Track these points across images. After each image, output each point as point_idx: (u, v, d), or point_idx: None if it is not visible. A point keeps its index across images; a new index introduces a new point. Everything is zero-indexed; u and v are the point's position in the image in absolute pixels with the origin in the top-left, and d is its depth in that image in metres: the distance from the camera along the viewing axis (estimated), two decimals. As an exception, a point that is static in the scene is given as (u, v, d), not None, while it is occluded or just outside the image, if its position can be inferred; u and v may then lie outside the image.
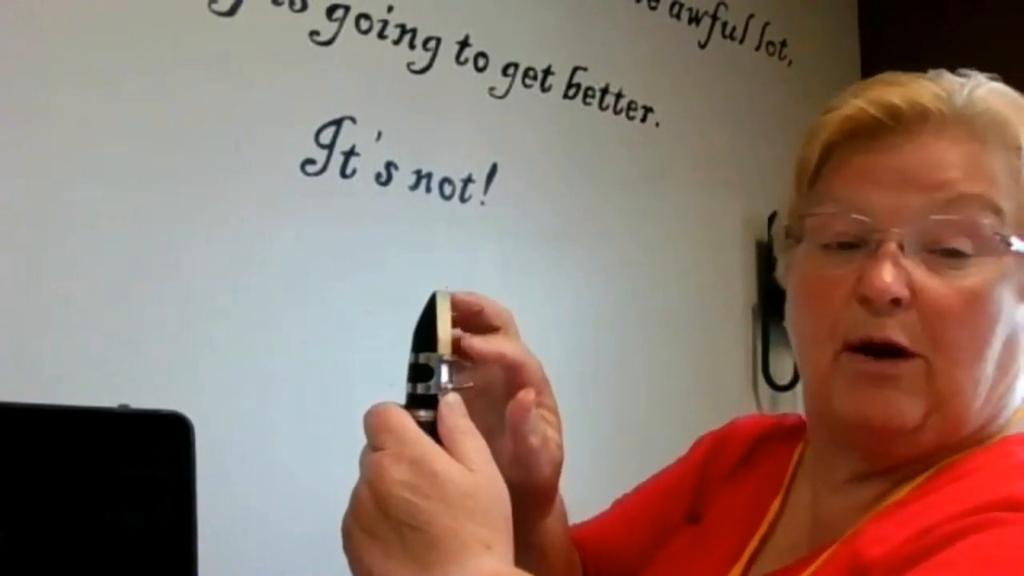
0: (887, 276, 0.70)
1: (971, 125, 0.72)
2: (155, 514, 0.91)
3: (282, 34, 1.68)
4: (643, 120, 2.17)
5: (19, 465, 0.89)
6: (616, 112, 2.13)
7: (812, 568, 0.72)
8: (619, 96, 2.14)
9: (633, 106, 2.16)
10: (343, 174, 1.73)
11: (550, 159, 2.02)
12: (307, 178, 1.69)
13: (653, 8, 2.22)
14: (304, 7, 1.70)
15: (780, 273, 0.83)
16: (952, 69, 0.78)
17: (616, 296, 2.08)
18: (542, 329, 1.99)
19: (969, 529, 0.64)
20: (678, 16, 2.27)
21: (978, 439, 0.75)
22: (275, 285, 1.65)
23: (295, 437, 1.65)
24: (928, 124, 0.72)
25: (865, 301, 0.71)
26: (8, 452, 0.89)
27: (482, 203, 1.91)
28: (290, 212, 1.67)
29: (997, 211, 0.71)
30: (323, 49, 1.72)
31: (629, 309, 2.12)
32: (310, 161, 1.70)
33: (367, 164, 1.76)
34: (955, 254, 0.71)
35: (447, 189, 1.86)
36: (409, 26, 1.82)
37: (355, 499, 0.69)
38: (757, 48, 2.42)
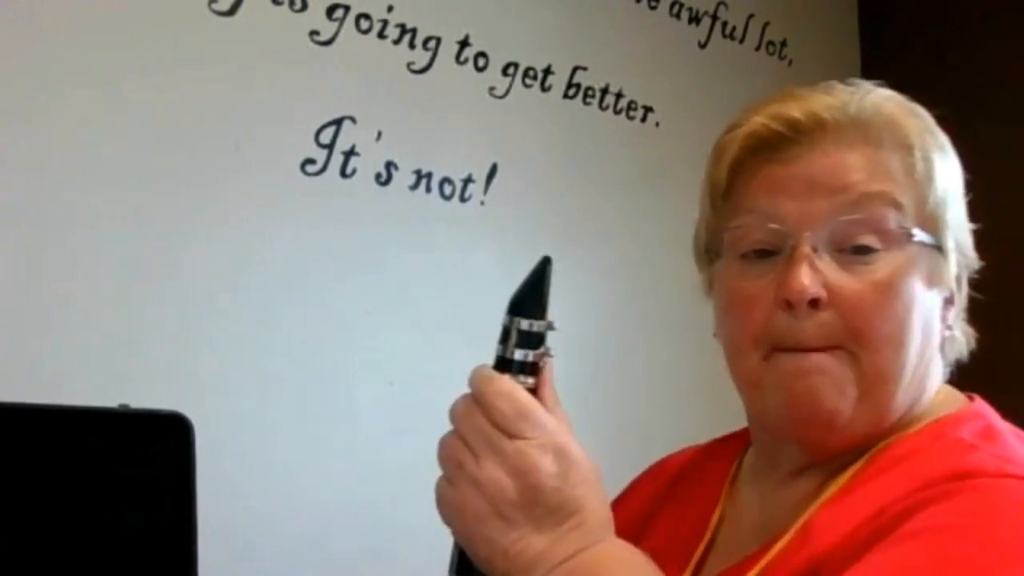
0: (804, 278, 0.74)
1: (865, 129, 0.78)
2: (155, 514, 0.91)
3: (282, 34, 1.68)
4: (643, 120, 2.17)
5: (19, 465, 0.89)
6: (616, 112, 2.13)
7: (764, 562, 0.75)
8: (619, 96, 2.14)
9: (633, 106, 2.16)
10: (343, 174, 1.73)
11: (550, 159, 2.02)
12: (307, 178, 1.69)
13: (653, 8, 2.22)
14: (304, 7, 1.70)
15: (704, 288, 0.88)
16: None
17: (616, 296, 2.08)
18: (542, 329, 1.99)
19: (920, 504, 0.67)
20: (678, 16, 2.27)
21: (905, 422, 0.79)
22: (275, 285, 1.65)
23: (295, 437, 1.65)
24: (826, 133, 0.77)
25: (787, 305, 0.76)
26: (8, 452, 0.89)
27: (482, 203, 1.91)
28: (290, 212, 1.67)
29: (898, 206, 0.76)
30: (323, 49, 1.72)
31: (629, 309, 2.12)
32: (310, 161, 1.70)
33: (367, 164, 1.76)
34: (864, 250, 0.76)
35: (447, 189, 1.86)
36: (409, 26, 1.82)
37: (487, 484, 0.69)
38: (757, 48, 2.42)
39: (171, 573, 0.90)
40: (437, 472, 0.74)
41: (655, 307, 2.14)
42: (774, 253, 0.78)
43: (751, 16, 2.40)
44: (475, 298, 1.88)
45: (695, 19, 2.30)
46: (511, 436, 0.69)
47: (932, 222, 0.78)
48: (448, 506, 0.71)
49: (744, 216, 0.80)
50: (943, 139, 0.82)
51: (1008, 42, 2.37)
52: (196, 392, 1.52)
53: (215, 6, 1.61)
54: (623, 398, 2.08)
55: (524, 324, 0.72)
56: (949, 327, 0.81)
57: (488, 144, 1.92)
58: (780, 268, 0.76)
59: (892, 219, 0.76)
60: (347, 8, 1.75)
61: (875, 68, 2.62)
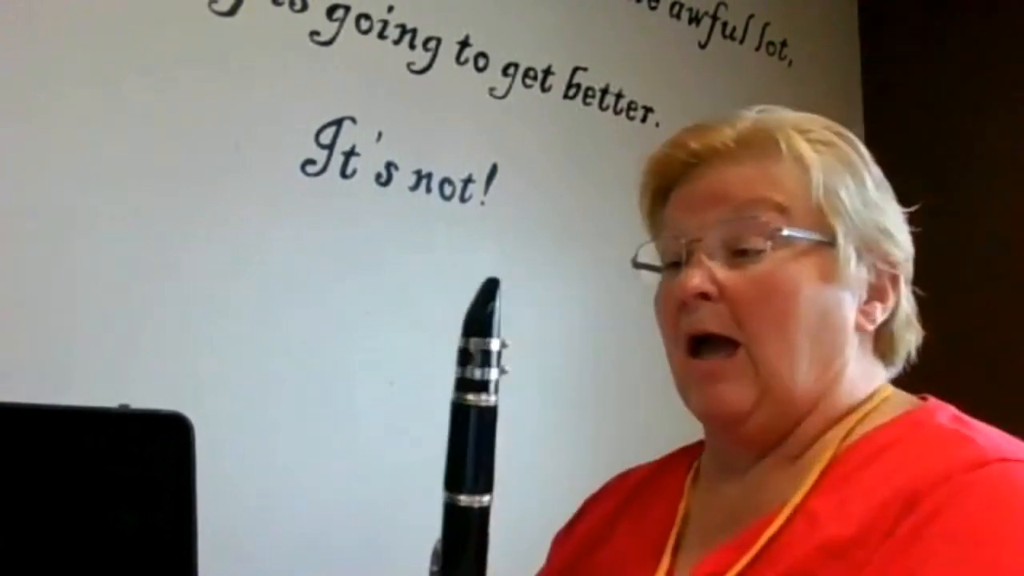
0: (694, 278, 0.85)
1: (749, 147, 0.87)
2: (155, 514, 0.91)
3: (282, 34, 1.68)
4: (643, 120, 2.17)
5: (19, 465, 0.89)
6: (616, 112, 2.13)
7: (757, 547, 0.79)
8: (619, 96, 2.14)
9: (633, 106, 2.16)
10: (343, 174, 1.73)
11: (550, 159, 2.02)
12: (307, 178, 1.69)
13: (653, 8, 2.22)
14: (304, 7, 1.70)
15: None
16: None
17: (616, 296, 2.08)
18: (542, 329, 1.99)
19: (952, 496, 0.72)
20: (678, 16, 2.27)
21: (834, 414, 0.85)
22: (275, 285, 1.65)
23: (295, 437, 1.65)
24: (720, 156, 0.88)
25: (683, 305, 0.86)
26: (8, 452, 0.89)
27: (482, 203, 1.91)
28: (290, 212, 1.67)
29: (780, 208, 0.84)
30: (323, 49, 1.72)
31: (629, 309, 2.11)
32: (310, 161, 1.70)
33: (367, 164, 1.76)
34: (751, 252, 0.85)
35: (447, 189, 1.86)
36: (409, 26, 1.82)
37: None
38: (757, 48, 2.42)
39: (171, 573, 0.90)
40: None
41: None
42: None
43: (751, 16, 2.40)
44: (475, 298, 1.88)
45: (695, 19, 2.30)
46: None
47: (819, 220, 0.84)
48: None
49: (663, 233, 0.92)
50: (846, 151, 0.88)
51: (1008, 42, 2.37)
52: (196, 392, 1.52)
53: (215, 6, 1.61)
54: (623, 397, 2.08)
55: (481, 344, 0.78)
56: (873, 321, 0.87)
57: (488, 144, 1.92)
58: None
59: (774, 221, 0.84)
60: (347, 8, 1.75)
61: (875, 68, 2.62)
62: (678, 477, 0.97)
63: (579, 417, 1.99)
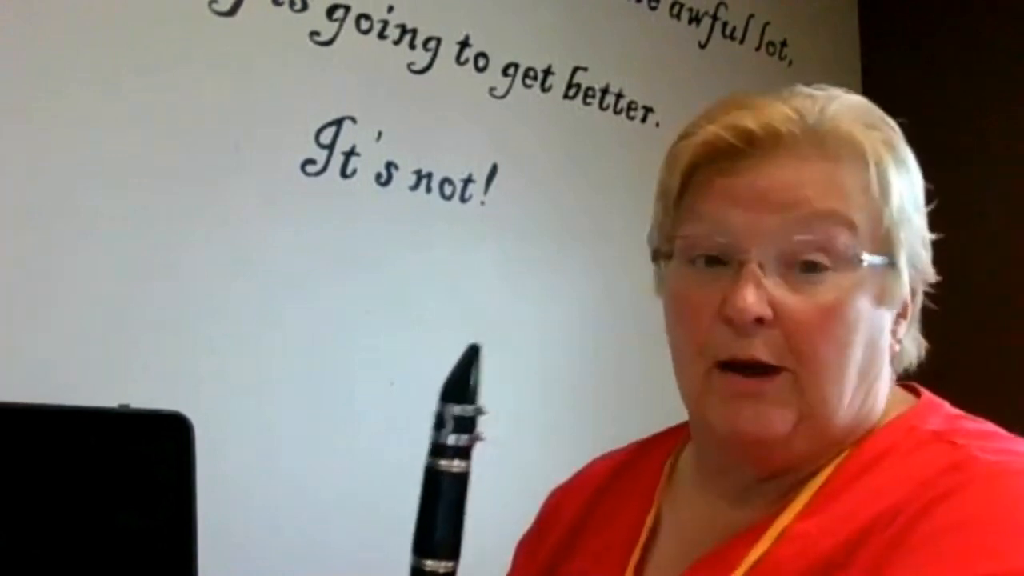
0: (749, 297, 0.73)
1: (822, 144, 0.75)
2: (155, 514, 0.91)
3: (282, 34, 1.68)
4: (643, 120, 2.17)
5: (19, 465, 0.89)
6: (616, 112, 2.13)
7: (744, 567, 0.75)
8: (619, 96, 2.14)
9: (633, 106, 2.16)
10: (343, 174, 1.73)
11: (550, 159, 2.02)
12: (307, 178, 1.69)
13: (653, 8, 2.22)
14: (304, 7, 1.70)
15: (656, 286, 0.87)
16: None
17: (616, 296, 2.08)
18: (542, 329, 1.99)
19: (930, 504, 0.68)
20: (678, 16, 2.27)
21: (858, 435, 0.79)
22: (275, 285, 1.65)
23: (295, 437, 1.65)
24: (781, 145, 0.75)
25: (730, 321, 0.75)
26: (8, 452, 0.89)
27: (482, 203, 1.91)
28: (290, 212, 1.67)
29: (851, 226, 0.74)
30: (323, 49, 1.72)
31: (629, 309, 2.12)
32: (310, 161, 1.70)
33: (367, 164, 1.76)
34: (813, 269, 0.75)
35: (447, 189, 1.86)
36: (409, 26, 1.82)
37: None
38: (757, 48, 2.42)
39: (171, 573, 0.90)
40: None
41: (655, 307, 2.14)
42: (722, 262, 0.77)
43: (751, 16, 2.40)
44: (475, 298, 1.88)
45: (695, 19, 2.30)
46: None
47: (886, 241, 0.76)
48: None
49: (695, 224, 0.78)
50: (904, 152, 0.79)
51: (1009, 41, 2.37)
52: (196, 392, 1.51)
53: (215, 6, 1.61)
54: (623, 397, 2.08)
55: (456, 410, 0.77)
56: (899, 341, 0.81)
57: (488, 144, 1.92)
58: (726, 281, 0.75)
59: (843, 240, 0.74)
60: (347, 8, 1.75)
61: (875, 68, 2.62)
62: (651, 475, 0.90)
63: (579, 416, 1.99)
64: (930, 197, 0.83)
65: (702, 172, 0.78)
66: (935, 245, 0.84)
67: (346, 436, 1.69)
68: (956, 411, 0.81)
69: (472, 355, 0.79)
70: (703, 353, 0.77)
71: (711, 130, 0.77)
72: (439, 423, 0.77)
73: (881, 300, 0.76)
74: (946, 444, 0.74)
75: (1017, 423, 0.79)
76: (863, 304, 0.75)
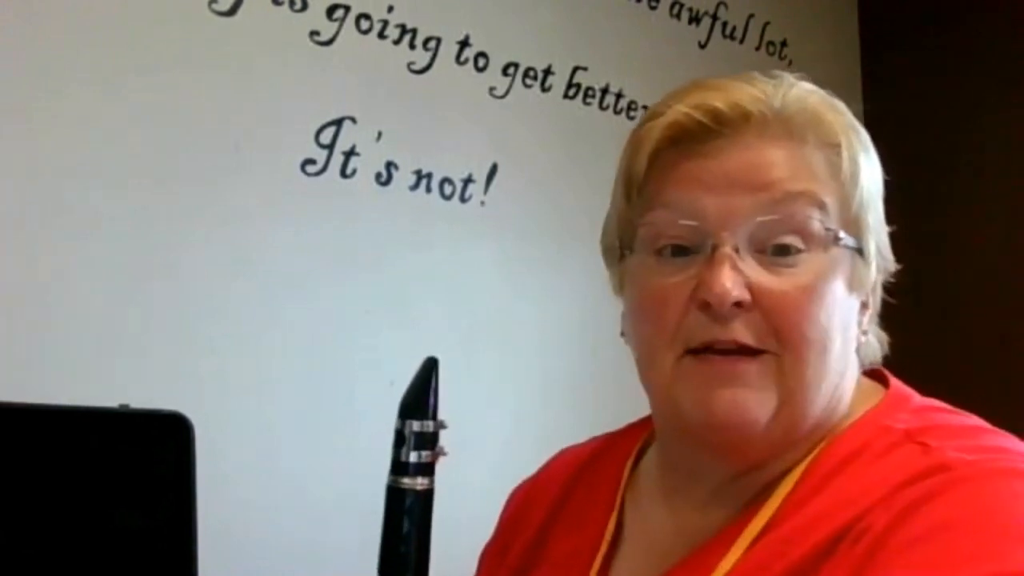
0: (727, 281, 0.71)
1: (790, 124, 0.74)
2: (155, 514, 0.91)
3: (282, 34, 1.68)
4: (643, 120, 2.17)
5: (19, 465, 0.89)
6: (616, 112, 2.13)
7: (721, 572, 0.72)
8: (619, 96, 2.14)
9: (633, 106, 2.16)
10: (343, 174, 1.73)
11: (550, 159, 2.02)
12: (307, 178, 1.69)
13: (653, 8, 2.22)
14: (304, 7, 1.70)
15: (615, 286, 0.84)
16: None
17: (616, 296, 2.08)
18: (542, 328, 1.99)
19: (909, 509, 0.66)
20: (678, 16, 2.27)
21: (827, 429, 0.76)
22: (275, 285, 1.65)
23: (295, 437, 1.65)
24: (750, 126, 0.74)
25: (706, 307, 0.72)
26: (8, 452, 0.89)
27: (482, 203, 1.91)
28: (290, 212, 1.67)
29: (822, 206, 0.73)
30: (323, 49, 1.72)
31: (629, 309, 2.12)
32: (310, 161, 1.70)
33: (367, 164, 1.76)
34: (787, 251, 0.72)
35: (447, 189, 1.86)
36: (409, 26, 1.82)
37: None
38: (757, 48, 2.42)
39: (171, 573, 0.90)
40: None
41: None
42: (691, 251, 0.74)
43: (751, 16, 2.40)
44: (475, 298, 1.88)
45: (695, 19, 2.30)
46: None
47: (855, 224, 0.74)
48: None
49: (660, 210, 0.75)
50: (866, 138, 0.78)
51: (1009, 41, 2.37)
52: (196, 392, 1.52)
53: (215, 6, 1.61)
54: (623, 397, 2.08)
55: (416, 426, 0.76)
56: (865, 332, 0.79)
57: (488, 144, 1.92)
58: (698, 267, 0.73)
59: (816, 220, 0.72)
60: (347, 8, 1.75)
61: (875, 68, 2.62)
62: (615, 475, 0.87)
63: (578, 416, 1.99)
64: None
65: (666, 156, 0.76)
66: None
67: (346, 436, 1.69)
68: (926, 401, 0.78)
69: (430, 369, 0.77)
70: (673, 342, 0.74)
71: (679, 110, 0.75)
72: (399, 440, 0.77)
73: (852, 286, 0.75)
74: (918, 446, 0.71)
75: (1019, 423, 0.79)
76: (838, 287, 0.73)
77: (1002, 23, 2.39)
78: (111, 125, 1.50)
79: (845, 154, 0.74)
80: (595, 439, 0.97)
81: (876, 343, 0.81)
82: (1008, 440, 0.72)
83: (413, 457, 0.76)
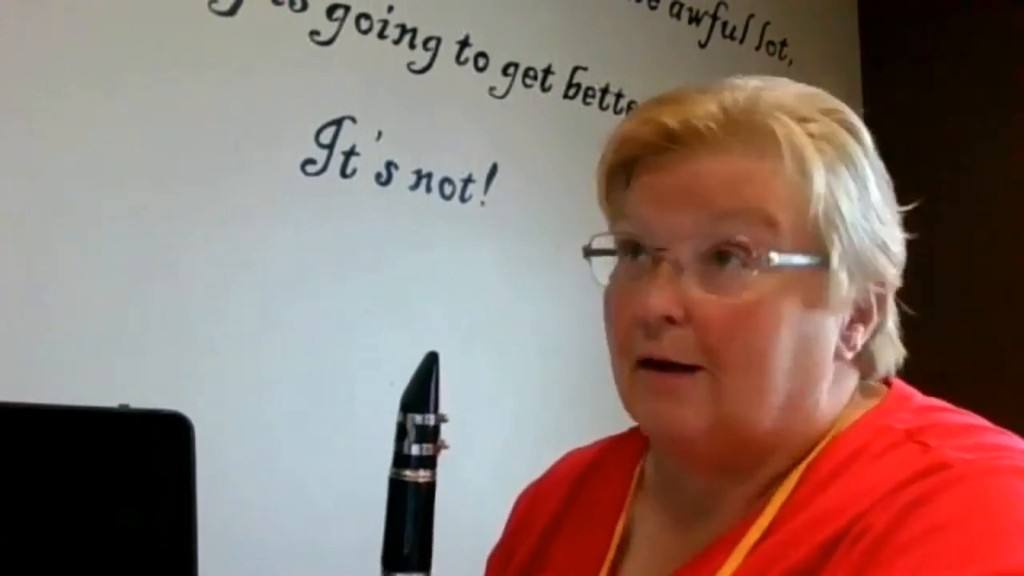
0: (652, 297, 0.72)
1: (743, 138, 0.72)
2: (155, 514, 0.91)
3: (282, 34, 1.68)
4: (643, 120, 2.17)
5: (19, 465, 0.89)
6: (616, 112, 2.13)
7: (732, 568, 0.72)
8: (619, 96, 2.14)
9: (633, 106, 2.16)
10: (343, 174, 1.73)
11: (550, 159, 2.02)
12: (307, 178, 1.69)
13: (653, 8, 2.22)
14: (304, 7, 1.70)
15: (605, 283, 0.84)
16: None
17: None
18: (542, 328, 1.99)
19: (906, 510, 0.66)
20: (678, 16, 2.27)
21: (799, 452, 0.75)
22: (275, 285, 1.65)
23: (295, 437, 1.65)
24: (701, 142, 0.73)
25: (643, 320, 0.73)
26: (8, 452, 0.89)
27: (482, 203, 1.91)
28: (290, 212, 1.67)
29: (772, 223, 0.71)
30: (323, 49, 1.72)
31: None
32: (310, 161, 1.70)
33: (367, 164, 1.76)
34: (731, 269, 0.72)
35: (447, 189, 1.86)
36: (409, 26, 1.82)
37: None
38: (757, 48, 2.42)
39: (171, 573, 0.90)
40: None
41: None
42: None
43: (751, 16, 2.40)
44: (475, 298, 1.88)
45: (695, 19, 2.30)
46: None
47: (813, 239, 0.72)
48: None
49: (624, 221, 0.78)
50: (849, 146, 0.74)
51: (1009, 42, 2.37)
52: (196, 392, 1.51)
53: (215, 6, 1.61)
54: (623, 398, 2.08)
55: (418, 419, 0.77)
56: (854, 347, 0.76)
57: (488, 144, 1.92)
58: (645, 280, 0.74)
59: (763, 238, 0.71)
60: (347, 8, 1.75)
61: (875, 68, 2.62)
62: (622, 480, 0.87)
63: (578, 416, 1.99)
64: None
65: (629, 167, 0.78)
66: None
67: (346, 436, 1.69)
68: (928, 401, 0.78)
69: (431, 363, 0.78)
70: (624, 351, 0.76)
71: (631, 127, 0.77)
72: (401, 433, 0.77)
73: (813, 304, 0.72)
74: (918, 445, 0.71)
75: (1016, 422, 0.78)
76: (788, 307, 0.72)
77: (1003, 23, 2.39)
78: (111, 125, 1.50)
79: (798, 167, 0.71)
80: (600, 442, 0.97)
81: (889, 355, 0.79)
82: (1009, 438, 0.72)
83: (415, 450, 0.76)
